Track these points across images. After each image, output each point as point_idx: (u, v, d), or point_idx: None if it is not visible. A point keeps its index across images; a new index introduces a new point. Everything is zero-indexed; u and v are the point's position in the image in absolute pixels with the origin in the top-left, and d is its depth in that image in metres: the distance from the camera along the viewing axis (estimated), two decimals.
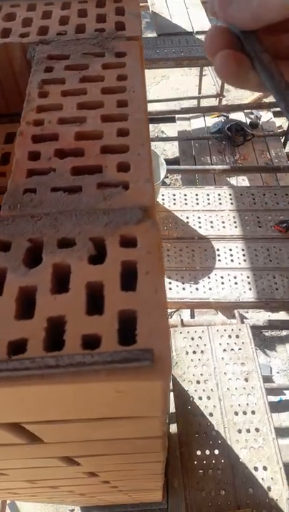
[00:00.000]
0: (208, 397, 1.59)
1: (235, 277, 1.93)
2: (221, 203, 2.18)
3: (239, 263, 1.98)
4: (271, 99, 3.18)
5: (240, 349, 1.67)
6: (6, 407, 0.28)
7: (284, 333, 2.57)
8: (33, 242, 0.31)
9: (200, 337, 1.74)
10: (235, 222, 2.12)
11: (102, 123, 0.40)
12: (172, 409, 1.57)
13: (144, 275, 0.28)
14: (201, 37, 2.85)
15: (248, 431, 1.51)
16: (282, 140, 3.26)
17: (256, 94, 3.53)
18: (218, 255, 2.01)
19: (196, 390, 1.62)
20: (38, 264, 0.30)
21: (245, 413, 1.54)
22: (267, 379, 2.22)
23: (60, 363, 0.23)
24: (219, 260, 1.99)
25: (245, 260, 1.99)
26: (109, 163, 0.36)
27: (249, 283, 1.90)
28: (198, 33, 2.88)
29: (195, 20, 2.95)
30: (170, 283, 1.92)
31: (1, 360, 0.24)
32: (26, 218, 0.32)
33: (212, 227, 2.07)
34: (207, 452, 1.51)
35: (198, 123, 3.49)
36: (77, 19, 0.54)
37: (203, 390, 1.60)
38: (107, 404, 0.28)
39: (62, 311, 0.27)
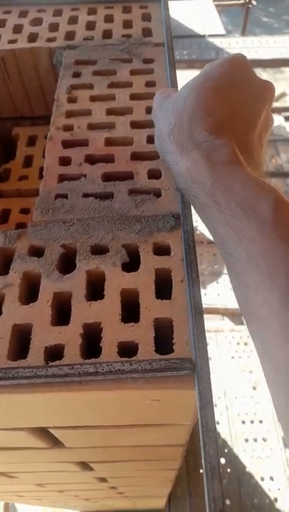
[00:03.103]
0: (215, 405, 1.58)
1: None
2: None
3: None
4: (282, 104, 3.17)
5: (248, 357, 1.66)
6: (39, 412, 0.28)
7: None
8: (66, 248, 0.31)
9: (207, 343, 1.73)
10: None
11: (132, 129, 0.40)
12: None
13: (179, 283, 0.28)
14: (213, 40, 2.87)
15: (255, 440, 1.49)
16: None
17: None
18: None
19: None
20: (71, 270, 0.29)
21: (252, 422, 1.53)
22: None
23: (99, 370, 0.23)
24: None
25: None
26: (140, 169, 0.36)
27: None
28: (210, 36, 2.90)
29: (207, 23, 2.97)
30: None
31: (40, 366, 0.24)
32: (59, 224, 0.32)
33: None
34: None
35: None
36: (104, 24, 0.54)
37: None
38: (140, 411, 0.28)
39: (97, 318, 0.27)
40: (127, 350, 0.25)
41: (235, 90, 0.27)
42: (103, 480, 0.72)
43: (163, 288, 0.29)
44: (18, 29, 0.54)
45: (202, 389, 0.23)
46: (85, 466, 0.53)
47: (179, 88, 0.34)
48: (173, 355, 0.25)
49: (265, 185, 0.23)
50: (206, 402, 0.23)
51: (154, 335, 0.26)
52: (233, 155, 0.24)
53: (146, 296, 0.28)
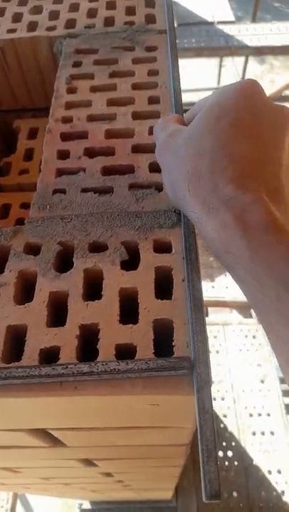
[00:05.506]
0: (223, 398, 1.58)
1: None
2: None
3: None
4: None
5: (256, 350, 1.65)
6: (35, 415, 0.27)
7: None
8: (64, 245, 0.30)
9: (215, 336, 1.72)
10: None
11: (134, 120, 0.38)
12: None
13: (180, 283, 0.27)
14: (222, 27, 2.80)
15: (263, 433, 1.49)
16: None
17: (276, 86, 3.44)
18: None
19: None
20: (68, 268, 0.28)
21: (260, 415, 1.52)
22: (282, 380, 2.18)
23: (94, 370, 0.22)
24: None
25: None
26: (141, 162, 0.35)
27: None
28: (219, 22, 2.82)
29: (216, 10, 2.90)
30: None
31: (33, 366, 0.23)
32: (56, 220, 0.31)
33: None
34: (220, 454, 1.49)
35: None
36: (106, 11, 0.52)
37: (218, 391, 1.58)
38: (139, 415, 0.27)
39: (95, 319, 0.26)
40: (125, 352, 0.24)
41: (255, 124, 0.23)
42: (108, 475, 0.71)
43: (163, 287, 0.27)
44: (17, 18, 0.52)
45: (199, 371, 0.22)
46: (88, 462, 0.53)
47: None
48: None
49: None
50: (203, 384, 0.22)
51: (153, 337, 0.25)
52: (268, 215, 0.20)
53: (145, 296, 0.27)
